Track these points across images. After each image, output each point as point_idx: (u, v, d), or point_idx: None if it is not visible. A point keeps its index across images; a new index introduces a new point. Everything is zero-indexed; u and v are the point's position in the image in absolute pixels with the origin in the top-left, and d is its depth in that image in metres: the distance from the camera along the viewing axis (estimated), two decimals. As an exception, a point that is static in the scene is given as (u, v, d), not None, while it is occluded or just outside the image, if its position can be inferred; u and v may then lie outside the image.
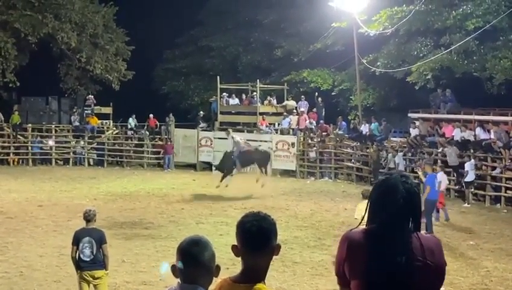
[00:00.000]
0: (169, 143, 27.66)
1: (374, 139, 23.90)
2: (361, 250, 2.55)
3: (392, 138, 23.77)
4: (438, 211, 15.41)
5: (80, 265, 7.93)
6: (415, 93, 25.56)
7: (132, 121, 30.12)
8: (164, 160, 27.61)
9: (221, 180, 19.69)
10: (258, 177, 19.78)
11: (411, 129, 22.90)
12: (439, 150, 20.82)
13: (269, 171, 20.64)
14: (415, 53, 24.71)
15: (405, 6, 24.15)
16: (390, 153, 21.68)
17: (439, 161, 20.48)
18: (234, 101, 29.15)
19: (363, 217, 2.70)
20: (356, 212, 10.89)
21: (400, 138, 24.12)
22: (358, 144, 24.56)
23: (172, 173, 26.23)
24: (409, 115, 24.68)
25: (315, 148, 25.60)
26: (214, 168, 21.78)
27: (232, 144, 20.30)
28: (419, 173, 15.79)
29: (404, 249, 2.50)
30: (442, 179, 15.58)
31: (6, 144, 28.40)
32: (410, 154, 21.88)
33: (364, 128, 24.76)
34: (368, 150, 24.06)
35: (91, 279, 7.93)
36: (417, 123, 23.03)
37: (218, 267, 2.70)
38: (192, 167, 27.66)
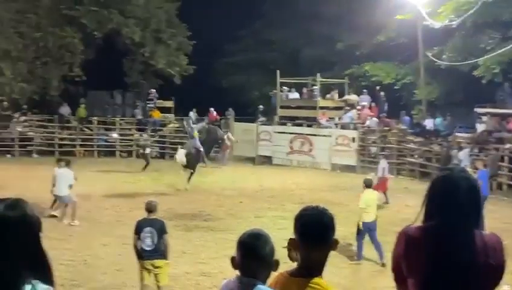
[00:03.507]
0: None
1: (438, 134, 23.29)
2: (420, 248, 2.49)
3: (457, 134, 23.09)
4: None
5: (141, 254, 8.10)
6: (481, 88, 24.73)
7: (193, 115, 30.51)
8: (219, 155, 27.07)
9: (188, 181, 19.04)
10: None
11: (477, 124, 22.18)
12: (506, 146, 20.08)
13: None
14: (482, 46, 23.89)
15: (472, -2, 23.41)
16: (455, 149, 21.06)
17: (505, 158, 19.80)
18: (294, 95, 29.05)
19: (419, 212, 2.63)
20: (360, 201, 11.00)
21: (466, 134, 23.40)
22: (422, 139, 23.97)
23: (231, 166, 26.15)
24: (475, 109, 23.89)
25: (375, 143, 25.23)
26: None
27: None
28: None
29: (466, 248, 2.43)
30: (385, 166, 17.92)
31: (73, 136, 29.44)
32: (476, 150, 21.17)
33: (429, 123, 24.18)
34: (431, 146, 23.47)
35: (152, 268, 8.09)
36: (484, 118, 22.28)
37: (277, 262, 2.68)
38: (251, 160, 27.77)
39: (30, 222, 2.05)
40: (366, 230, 11.06)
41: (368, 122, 26.01)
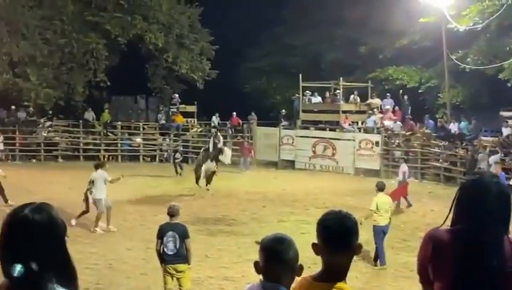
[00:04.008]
0: (245, 144, 26.92)
1: (463, 138, 23.00)
2: (448, 251, 2.47)
3: (482, 137, 22.76)
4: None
5: (163, 258, 8.13)
6: (507, 91, 24.37)
7: (215, 119, 30.64)
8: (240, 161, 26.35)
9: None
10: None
11: (503, 128, 21.84)
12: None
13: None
14: (507, 49, 23.54)
15: (497, 0, 23.06)
16: (481, 153, 20.73)
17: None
18: (316, 99, 28.95)
19: (447, 216, 2.59)
20: (372, 204, 11.20)
21: (491, 137, 23.04)
22: (447, 143, 23.69)
23: (253, 171, 26.03)
24: (501, 113, 23.54)
25: (399, 147, 25.01)
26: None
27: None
28: None
29: (494, 253, 2.40)
30: (405, 170, 18.02)
31: (97, 141, 29.76)
32: (502, 154, 20.82)
33: (453, 127, 23.90)
34: (456, 150, 23.17)
35: (174, 272, 8.12)
36: (510, 122, 21.95)
37: (301, 267, 2.67)
38: (273, 164, 27.73)
39: (56, 225, 2.07)
40: (381, 233, 11.08)
41: (386, 123, 25.74)
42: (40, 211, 2.04)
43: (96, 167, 14.25)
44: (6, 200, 16.05)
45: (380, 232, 11.06)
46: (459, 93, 27.78)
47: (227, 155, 18.92)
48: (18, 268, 1.93)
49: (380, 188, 11.37)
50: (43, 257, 1.98)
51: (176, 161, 24.35)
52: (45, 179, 21.39)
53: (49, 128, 29.40)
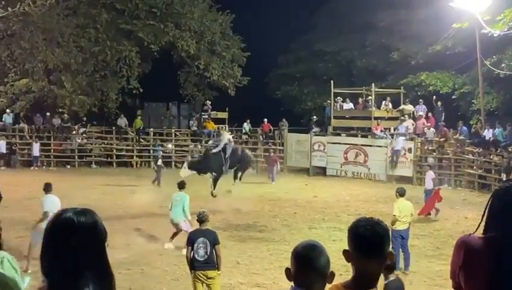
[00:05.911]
0: (272, 154, 26.42)
1: (498, 145, 22.57)
2: (479, 259, 2.42)
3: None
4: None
5: (194, 265, 8.17)
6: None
7: (247, 126, 30.71)
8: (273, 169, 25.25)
9: (213, 188, 17.87)
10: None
11: (539, 135, 21.37)
12: None
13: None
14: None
15: (533, 5, 22.64)
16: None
17: None
18: (348, 105, 28.79)
19: (480, 223, 2.55)
20: (394, 210, 11.21)
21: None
22: (481, 150, 23.29)
23: (285, 177, 25.97)
24: (537, 119, 23.04)
25: (433, 154, 24.68)
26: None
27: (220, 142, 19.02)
28: None
29: None
30: (433, 176, 18.39)
31: (130, 147, 30.14)
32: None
33: (488, 134, 23.47)
34: (490, 157, 22.76)
35: (205, 278, 8.14)
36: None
37: (332, 274, 2.66)
38: (305, 171, 27.65)
39: (99, 229, 2.11)
40: (398, 237, 10.99)
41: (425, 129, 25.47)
42: (84, 215, 2.09)
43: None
44: None
45: (397, 237, 11.00)
46: (494, 99, 27.28)
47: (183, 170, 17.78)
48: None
49: (401, 193, 11.46)
50: (83, 259, 2.01)
51: (156, 168, 22.55)
52: (79, 184, 21.74)
53: (83, 135, 29.91)
